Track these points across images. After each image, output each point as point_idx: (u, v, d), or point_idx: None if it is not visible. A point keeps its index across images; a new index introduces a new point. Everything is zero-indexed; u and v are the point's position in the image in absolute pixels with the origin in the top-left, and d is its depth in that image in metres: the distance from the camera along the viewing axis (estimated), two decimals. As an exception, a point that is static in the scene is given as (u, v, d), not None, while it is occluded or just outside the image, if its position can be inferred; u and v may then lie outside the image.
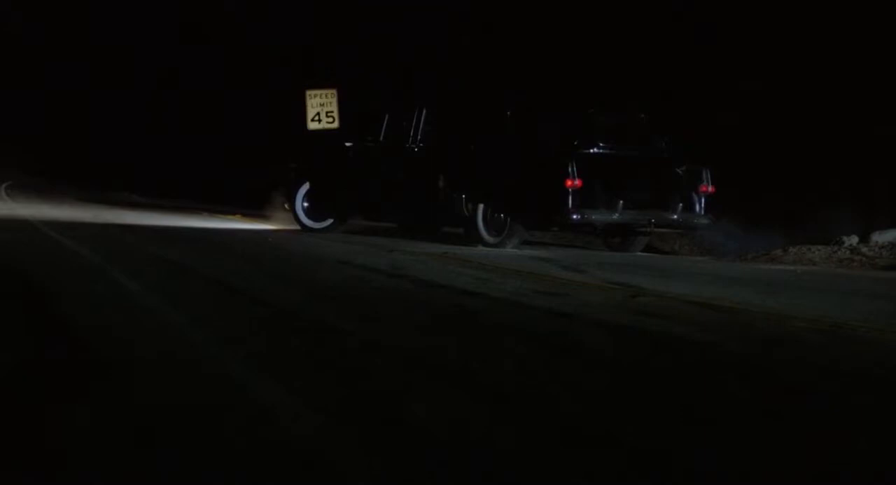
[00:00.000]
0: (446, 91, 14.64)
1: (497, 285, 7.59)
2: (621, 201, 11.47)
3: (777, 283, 8.72)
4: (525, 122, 12.40)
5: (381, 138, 13.46)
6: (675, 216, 11.88)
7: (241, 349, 4.73)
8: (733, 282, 8.62)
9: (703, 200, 11.93)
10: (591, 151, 11.86)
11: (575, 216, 11.28)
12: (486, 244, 11.93)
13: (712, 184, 11.91)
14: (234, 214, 18.84)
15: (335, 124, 15.92)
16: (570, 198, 11.18)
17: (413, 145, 13.00)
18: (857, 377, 4.59)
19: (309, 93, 16.11)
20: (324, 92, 16.30)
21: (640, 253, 12.38)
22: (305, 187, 14.38)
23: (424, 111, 13.00)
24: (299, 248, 11.14)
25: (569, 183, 11.16)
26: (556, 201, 11.31)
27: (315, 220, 14.36)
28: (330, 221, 14.31)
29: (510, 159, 12.08)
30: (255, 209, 17.86)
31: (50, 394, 3.72)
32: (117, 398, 3.72)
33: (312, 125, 15.97)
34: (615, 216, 11.54)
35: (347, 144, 13.96)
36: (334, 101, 16.14)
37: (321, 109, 16.18)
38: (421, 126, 12.97)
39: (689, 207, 11.91)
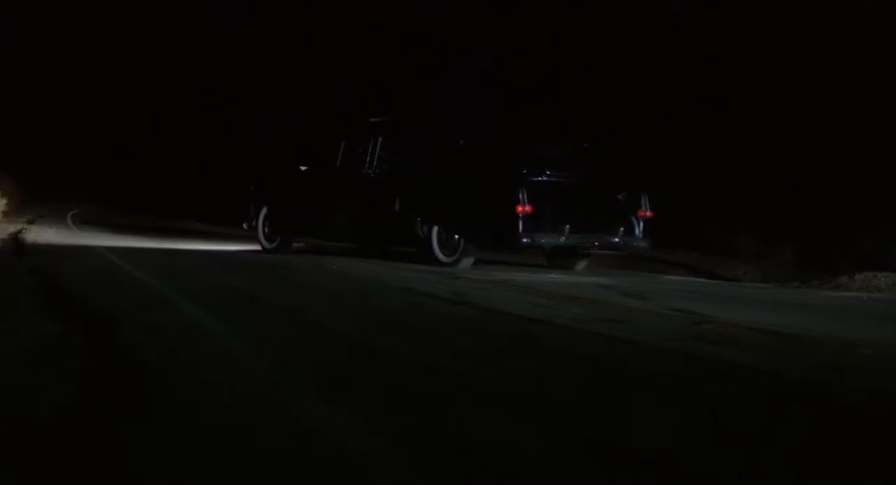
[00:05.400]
0: (402, 120, 15.45)
1: (558, 312, 7.59)
2: (567, 226, 12.30)
3: (843, 310, 8.64)
4: (478, 150, 13.20)
5: (338, 164, 14.34)
6: (617, 239, 12.72)
7: (308, 378, 4.79)
8: (798, 309, 8.56)
9: (642, 224, 12.75)
10: (540, 178, 12.58)
11: (525, 239, 12.12)
12: (440, 263, 12.65)
13: (650, 209, 12.76)
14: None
15: None
16: (521, 223, 11.97)
17: (369, 171, 13.88)
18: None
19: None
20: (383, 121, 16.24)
21: (702, 280, 12.33)
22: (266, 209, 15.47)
23: (380, 139, 13.87)
24: (362, 275, 11.18)
25: (519, 209, 11.97)
26: (507, 225, 12.06)
27: (270, 241, 15.38)
28: (279, 241, 15.25)
29: (465, 186, 12.80)
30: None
31: (113, 420, 3.79)
32: (181, 427, 3.78)
33: None
34: (562, 239, 12.44)
35: (303, 169, 14.91)
36: None
37: None
38: (377, 153, 13.83)
39: (630, 231, 12.72)
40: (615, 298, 8.94)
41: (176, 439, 3.55)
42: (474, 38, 23.56)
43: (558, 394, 4.52)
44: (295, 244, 15.46)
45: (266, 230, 15.45)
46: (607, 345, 6.06)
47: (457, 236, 12.74)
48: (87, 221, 24.80)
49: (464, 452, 3.47)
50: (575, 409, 4.21)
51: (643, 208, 12.76)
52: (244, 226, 16.06)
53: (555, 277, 11.49)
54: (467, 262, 12.67)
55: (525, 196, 12.03)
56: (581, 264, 13.32)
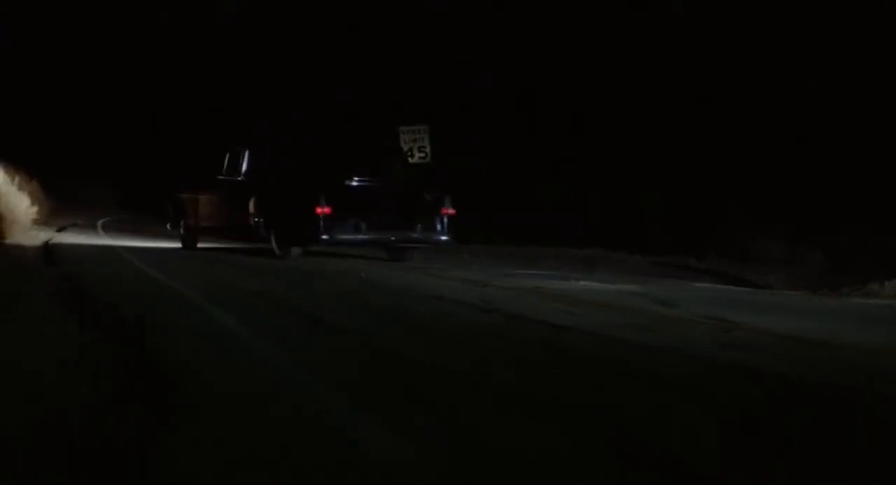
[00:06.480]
0: (260, 134, 17.73)
1: (586, 319, 7.56)
2: (365, 224, 14.10)
3: (873, 317, 8.59)
4: (300, 159, 14.99)
5: (223, 172, 16.29)
6: (416, 235, 14.54)
7: (332, 380, 4.78)
8: (829, 316, 8.51)
9: (444, 221, 14.63)
10: (344, 183, 14.47)
11: (324, 236, 13.99)
12: (275, 256, 14.48)
13: (452, 207, 14.62)
14: None
15: (428, 159, 16.66)
16: (321, 222, 13.89)
17: (241, 179, 15.76)
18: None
19: (402, 128, 16.65)
20: (416, 128, 16.77)
21: (732, 287, 12.29)
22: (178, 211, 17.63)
23: (247, 151, 15.77)
24: (393, 283, 11.19)
25: (319, 210, 13.88)
26: (311, 225, 13.92)
27: (182, 240, 17.44)
28: (185, 240, 17.31)
29: (284, 191, 14.66)
30: None
31: (141, 424, 3.80)
32: (208, 431, 3.78)
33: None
34: (359, 236, 14.19)
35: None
36: (426, 136, 16.65)
37: (413, 145, 16.61)
38: (244, 163, 15.74)
39: (432, 227, 14.57)
40: (645, 305, 8.90)
41: (204, 439, 3.56)
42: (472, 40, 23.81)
43: (584, 400, 4.50)
44: (200, 243, 17.38)
45: (181, 230, 17.50)
46: (634, 352, 6.03)
47: (279, 233, 14.61)
48: (115, 229, 24.93)
49: (485, 453, 3.47)
50: (598, 413, 4.20)
51: (446, 206, 14.58)
52: (168, 226, 18.24)
53: (585, 284, 11.46)
54: (295, 255, 14.43)
55: (324, 199, 13.91)
56: (411, 257, 15.02)
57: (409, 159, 17.16)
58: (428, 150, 17.03)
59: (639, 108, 20.32)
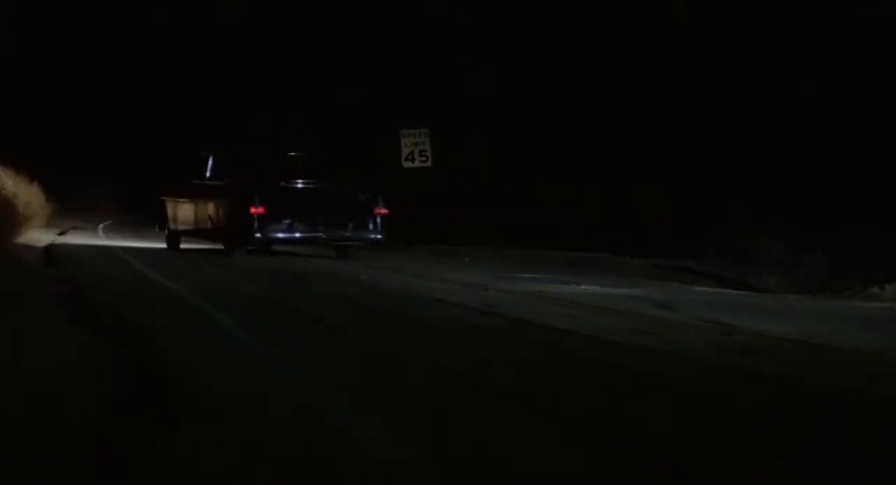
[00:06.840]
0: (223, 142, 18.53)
1: (589, 323, 7.54)
2: (298, 223, 14.89)
3: (873, 320, 8.57)
4: (244, 164, 15.83)
5: (196, 176, 16.49)
6: (348, 233, 15.16)
7: (333, 379, 4.78)
8: (829, 319, 8.49)
9: (377, 220, 15.26)
10: (280, 185, 15.11)
11: (258, 235, 14.73)
12: (225, 254, 15.00)
13: (385, 207, 15.24)
14: None
15: (428, 163, 16.64)
16: (255, 221, 14.60)
17: (206, 183, 16.09)
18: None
19: (403, 132, 16.67)
20: (417, 131, 16.79)
21: (733, 291, 12.29)
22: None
23: (211, 157, 16.22)
24: (392, 286, 11.18)
25: (253, 210, 14.57)
26: (247, 224, 14.61)
27: (167, 241, 17.75)
28: (169, 241, 17.55)
29: (232, 193, 15.19)
30: None
31: (142, 424, 3.79)
32: (209, 432, 3.78)
33: (406, 164, 16.54)
34: (292, 235, 15.05)
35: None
36: (427, 140, 16.66)
37: (414, 148, 16.65)
38: (209, 168, 16.16)
39: (364, 226, 15.21)
40: (645, 308, 8.86)
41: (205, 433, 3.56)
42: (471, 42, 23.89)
43: (584, 403, 4.49)
44: (183, 244, 17.46)
45: (166, 232, 17.83)
46: (634, 354, 6.01)
47: (227, 233, 15.20)
48: (115, 231, 24.94)
49: (485, 453, 3.46)
50: (597, 413, 4.19)
51: (379, 207, 15.22)
52: (156, 228, 18.65)
53: (586, 288, 11.42)
54: (239, 252, 14.87)
55: (258, 200, 14.59)
56: (350, 255, 15.44)
57: (410, 163, 17.23)
58: (429, 153, 17.01)
59: (639, 108, 20.31)
